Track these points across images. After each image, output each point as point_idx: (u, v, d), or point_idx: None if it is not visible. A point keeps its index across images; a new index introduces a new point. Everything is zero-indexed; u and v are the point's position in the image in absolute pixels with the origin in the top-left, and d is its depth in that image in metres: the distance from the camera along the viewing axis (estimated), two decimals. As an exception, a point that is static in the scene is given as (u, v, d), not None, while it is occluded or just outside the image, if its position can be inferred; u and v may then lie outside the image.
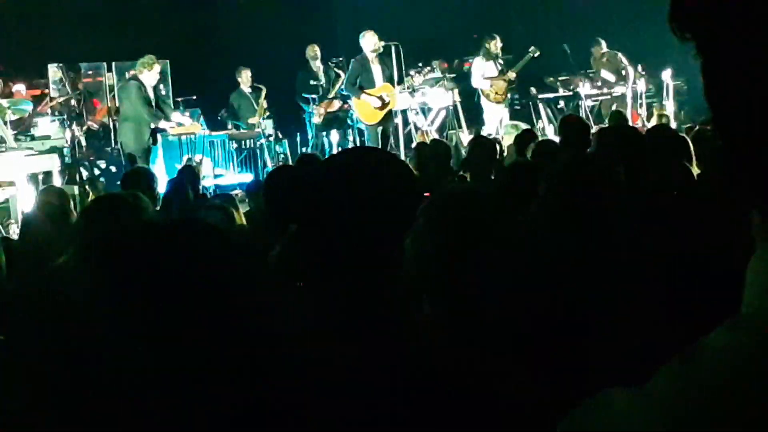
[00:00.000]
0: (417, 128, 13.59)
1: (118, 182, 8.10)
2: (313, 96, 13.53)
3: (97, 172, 12.88)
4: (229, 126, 13.88)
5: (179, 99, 14.38)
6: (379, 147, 11.60)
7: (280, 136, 14.28)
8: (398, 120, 12.88)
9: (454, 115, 13.90)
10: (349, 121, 13.42)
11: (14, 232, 8.61)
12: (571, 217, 3.18)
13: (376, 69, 12.53)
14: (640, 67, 14.65)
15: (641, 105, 14.47)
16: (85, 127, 13.29)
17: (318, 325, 1.85)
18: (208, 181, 11.34)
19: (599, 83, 14.74)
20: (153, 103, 11.54)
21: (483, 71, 13.87)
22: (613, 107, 13.91)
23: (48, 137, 11.71)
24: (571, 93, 14.77)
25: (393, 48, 12.41)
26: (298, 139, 14.49)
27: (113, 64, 14.49)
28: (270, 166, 12.62)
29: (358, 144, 12.85)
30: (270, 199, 4.76)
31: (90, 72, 14.74)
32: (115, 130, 13.03)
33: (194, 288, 1.56)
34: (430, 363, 1.81)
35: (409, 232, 2.24)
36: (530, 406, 1.78)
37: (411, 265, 2.40)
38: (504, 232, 2.78)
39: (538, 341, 2.45)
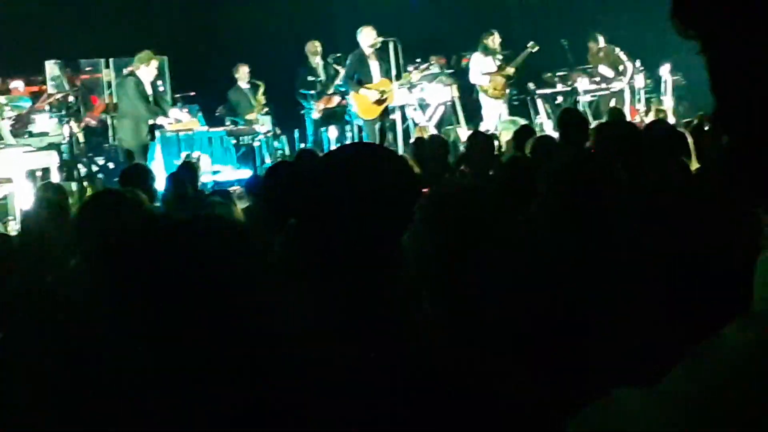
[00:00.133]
0: (415, 124, 13.58)
1: (116, 179, 8.10)
2: (312, 92, 13.52)
3: (95, 168, 12.87)
4: (227, 122, 13.87)
5: (177, 95, 14.36)
6: (377, 143, 11.59)
7: (279, 132, 14.27)
8: (396, 116, 12.86)
9: (453, 110, 13.89)
10: (347, 117, 13.40)
11: (13, 228, 8.60)
12: (570, 217, 3.18)
13: (374, 64, 12.51)
14: (638, 63, 14.64)
15: (639, 100, 14.47)
16: (83, 124, 13.27)
17: (318, 325, 1.85)
18: (206, 177, 11.32)
19: (597, 79, 14.72)
20: (151, 99, 11.53)
21: (481, 67, 13.86)
22: (612, 103, 13.91)
23: (46, 134, 11.71)
24: (569, 88, 14.75)
25: (391, 44, 12.39)
26: (297, 135, 14.48)
27: (111, 60, 14.46)
28: (268, 162, 12.61)
29: (356, 140, 12.83)
30: (269, 195, 4.76)
31: (88, 68, 14.71)
32: (113, 127, 13.03)
33: (195, 287, 1.56)
34: (430, 363, 1.80)
35: (407, 228, 2.24)
36: (530, 406, 1.78)
37: (411, 264, 2.40)
38: (504, 231, 2.78)
39: (538, 341, 2.45)
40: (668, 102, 14.19)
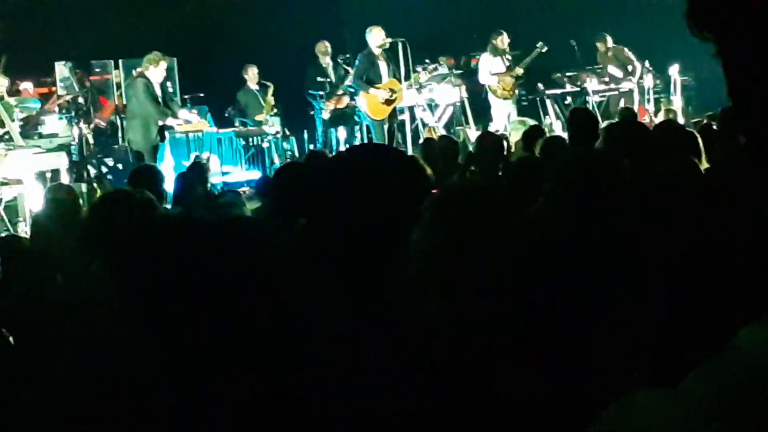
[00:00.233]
0: (424, 125, 13.58)
1: (126, 180, 8.11)
2: (320, 93, 13.52)
3: (104, 169, 12.90)
4: (237, 123, 13.89)
5: (186, 96, 14.37)
6: (387, 143, 11.60)
7: (288, 133, 14.28)
8: (406, 116, 12.85)
9: (462, 111, 13.89)
10: (356, 118, 13.40)
11: (23, 230, 8.63)
12: (574, 216, 3.18)
13: (383, 65, 12.52)
14: (647, 63, 14.62)
15: (649, 100, 14.45)
16: (92, 125, 13.28)
17: (324, 322, 1.86)
18: (215, 179, 11.34)
19: (606, 79, 14.71)
20: (160, 101, 11.55)
21: (490, 67, 13.86)
22: (621, 103, 13.89)
23: (55, 135, 11.72)
24: (578, 89, 14.74)
25: (400, 44, 12.39)
26: (306, 136, 14.49)
27: (120, 61, 14.48)
28: (277, 163, 12.62)
29: (366, 141, 12.83)
30: (278, 195, 4.76)
31: (97, 69, 14.74)
32: (123, 128, 13.04)
33: (221, 287, 1.56)
34: (433, 361, 1.81)
35: (415, 227, 2.25)
36: (530, 406, 1.78)
37: (416, 262, 2.40)
38: (506, 229, 2.77)
39: (541, 341, 2.45)
40: (677, 102, 14.16)
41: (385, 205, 2.08)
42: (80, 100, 13.07)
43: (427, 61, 14.09)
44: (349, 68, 13.59)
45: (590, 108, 13.34)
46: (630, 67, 14.52)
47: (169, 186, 7.58)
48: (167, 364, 1.56)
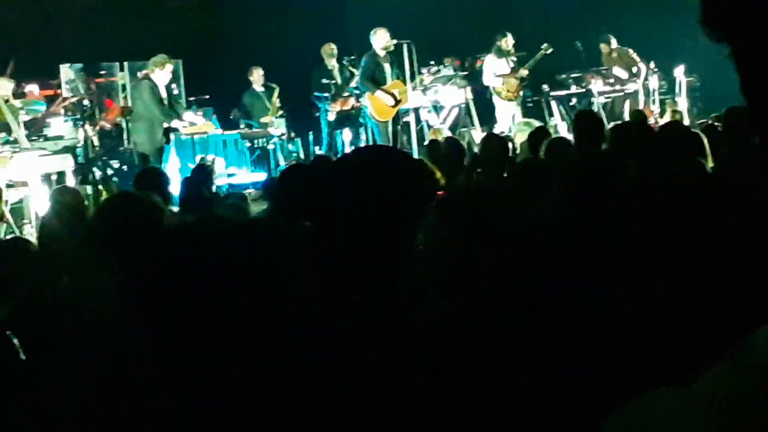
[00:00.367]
0: (429, 126, 13.58)
1: (131, 182, 8.12)
2: (326, 95, 13.52)
3: (110, 171, 12.90)
4: (242, 125, 13.90)
5: (192, 98, 14.40)
6: (392, 145, 11.60)
7: (293, 135, 14.29)
8: (411, 118, 12.86)
9: (467, 113, 13.88)
10: (361, 120, 13.40)
11: (28, 232, 8.64)
12: (578, 217, 3.18)
13: (387, 66, 12.53)
14: (652, 64, 14.61)
15: (654, 101, 14.43)
16: (98, 127, 13.29)
17: (327, 323, 1.86)
18: (221, 180, 11.35)
19: (611, 80, 14.69)
20: (165, 103, 11.56)
21: (495, 69, 13.86)
22: (626, 104, 13.89)
23: (61, 137, 11.73)
24: (583, 90, 14.72)
25: (405, 46, 12.39)
26: (311, 138, 14.49)
27: (126, 63, 14.51)
28: (283, 165, 12.62)
29: (370, 142, 12.83)
30: (283, 197, 4.77)
31: (103, 72, 14.77)
32: (128, 130, 13.06)
33: (232, 290, 1.56)
34: (433, 363, 1.81)
35: (421, 229, 2.25)
36: (531, 406, 1.78)
37: (419, 262, 2.40)
38: (510, 230, 2.78)
39: (543, 340, 2.45)
40: (683, 103, 14.15)
41: (389, 207, 2.08)
42: (86, 102, 13.08)
43: (432, 62, 14.10)
44: (354, 70, 13.59)
45: (595, 109, 13.34)
46: (635, 69, 14.51)
47: (174, 188, 7.59)
48: (172, 365, 1.56)
